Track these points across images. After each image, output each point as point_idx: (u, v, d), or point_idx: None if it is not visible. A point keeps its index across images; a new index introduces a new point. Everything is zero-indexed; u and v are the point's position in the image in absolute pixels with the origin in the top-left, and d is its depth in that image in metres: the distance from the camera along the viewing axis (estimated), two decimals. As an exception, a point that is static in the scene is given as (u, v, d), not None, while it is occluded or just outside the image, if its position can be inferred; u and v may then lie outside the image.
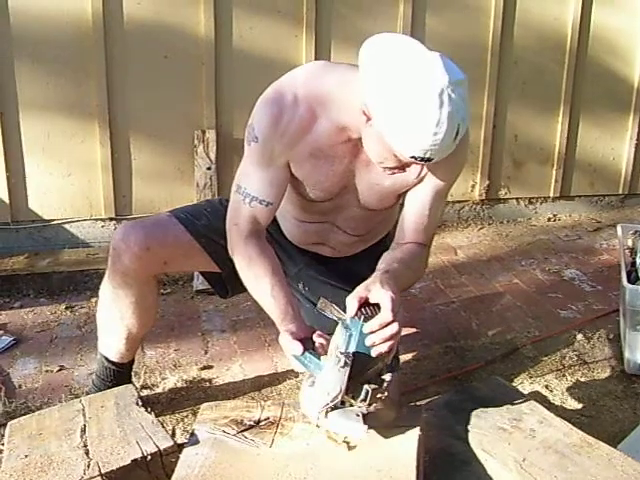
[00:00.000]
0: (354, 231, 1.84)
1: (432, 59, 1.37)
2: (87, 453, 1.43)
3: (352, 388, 1.41)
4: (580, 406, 2.08)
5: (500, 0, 3.30)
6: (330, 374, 1.41)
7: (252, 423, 1.54)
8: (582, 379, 2.23)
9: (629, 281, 2.20)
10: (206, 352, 2.42)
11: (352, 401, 1.42)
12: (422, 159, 1.42)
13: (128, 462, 1.40)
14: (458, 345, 2.44)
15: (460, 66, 1.40)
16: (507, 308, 2.75)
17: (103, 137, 2.96)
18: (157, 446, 1.44)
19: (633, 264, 2.34)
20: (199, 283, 2.81)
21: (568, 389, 2.17)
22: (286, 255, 1.93)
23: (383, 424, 1.46)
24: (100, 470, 1.37)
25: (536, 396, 2.03)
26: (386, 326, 1.38)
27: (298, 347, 1.50)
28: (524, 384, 2.19)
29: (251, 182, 1.63)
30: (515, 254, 3.29)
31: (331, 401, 1.41)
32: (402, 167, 1.52)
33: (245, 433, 1.51)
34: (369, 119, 1.44)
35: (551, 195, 3.68)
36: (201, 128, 3.04)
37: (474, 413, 1.62)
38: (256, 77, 3.01)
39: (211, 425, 1.53)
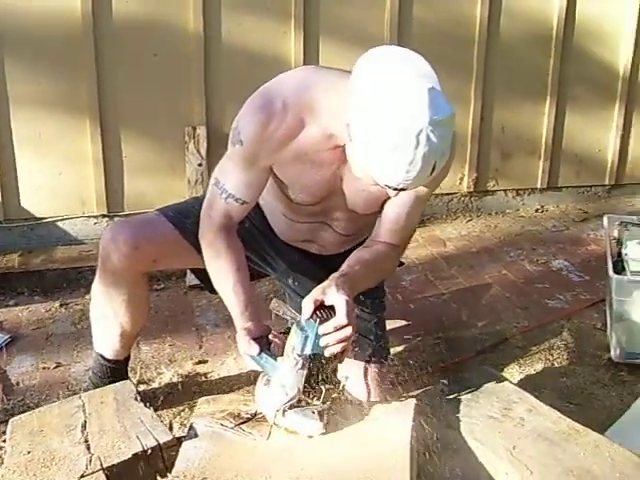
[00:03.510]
0: (344, 230, 1.87)
1: (417, 94, 1.32)
2: (88, 448, 1.46)
3: (308, 388, 1.51)
4: (569, 394, 2.13)
5: (486, -10, 3.34)
6: (288, 375, 1.49)
7: (249, 416, 1.58)
8: (570, 368, 2.28)
9: (615, 271, 2.25)
10: (201, 347, 2.45)
11: (308, 400, 1.52)
12: (395, 188, 1.42)
13: (129, 456, 1.43)
14: (449, 336, 2.48)
15: (448, 99, 1.36)
16: (496, 299, 2.79)
17: (94, 134, 2.98)
18: (157, 440, 1.47)
19: (619, 254, 2.38)
20: (192, 278, 2.83)
21: (557, 378, 2.22)
22: (274, 251, 1.96)
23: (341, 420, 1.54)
24: (102, 464, 1.40)
25: (525, 385, 2.06)
26: (340, 329, 1.45)
27: (255, 347, 1.55)
28: (514, 373, 2.24)
29: (230, 180, 1.65)
30: (503, 245, 3.33)
31: (289, 401, 1.49)
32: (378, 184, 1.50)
33: (242, 426, 1.54)
34: (350, 138, 1.44)
35: (538, 186, 3.73)
36: (191, 124, 3.06)
37: (465, 402, 1.67)
38: (246, 73, 3.05)
39: (209, 419, 1.56)
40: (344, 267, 1.63)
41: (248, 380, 2.21)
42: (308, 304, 1.48)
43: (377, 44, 3.33)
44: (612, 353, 2.30)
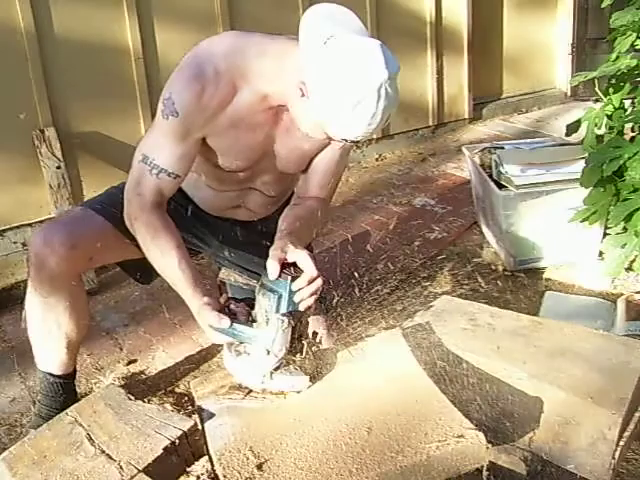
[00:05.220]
0: (271, 192, 1.89)
1: (373, 50, 1.38)
2: (110, 457, 1.39)
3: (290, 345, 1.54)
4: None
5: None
6: (273, 338, 1.49)
7: (250, 385, 1.58)
8: (476, 285, 2.49)
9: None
10: (121, 348, 2.37)
11: (292, 358, 1.54)
12: (352, 141, 1.49)
13: (160, 452, 1.38)
14: (360, 281, 2.58)
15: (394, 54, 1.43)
16: (382, 242, 2.96)
17: None
18: (180, 429, 1.43)
19: (490, 176, 2.63)
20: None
21: (469, 295, 2.41)
22: (204, 226, 1.93)
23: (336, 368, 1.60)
24: (137, 467, 1.34)
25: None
26: (312, 281, 1.50)
27: (226, 320, 1.49)
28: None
29: (162, 154, 1.60)
30: (363, 195, 3.52)
31: (278, 362, 1.50)
32: (330, 139, 1.55)
33: (252, 394, 1.54)
34: (304, 95, 1.46)
35: (374, 137, 3.94)
36: (38, 127, 2.86)
37: (434, 323, 1.79)
38: (86, 65, 2.89)
39: (214, 397, 1.54)
40: (285, 226, 1.65)
41: (190, 367, 2.20)
42: (273, 264, 1.48)
43: (210, 20, 3.31)
44: (506, 264, 2.56)
